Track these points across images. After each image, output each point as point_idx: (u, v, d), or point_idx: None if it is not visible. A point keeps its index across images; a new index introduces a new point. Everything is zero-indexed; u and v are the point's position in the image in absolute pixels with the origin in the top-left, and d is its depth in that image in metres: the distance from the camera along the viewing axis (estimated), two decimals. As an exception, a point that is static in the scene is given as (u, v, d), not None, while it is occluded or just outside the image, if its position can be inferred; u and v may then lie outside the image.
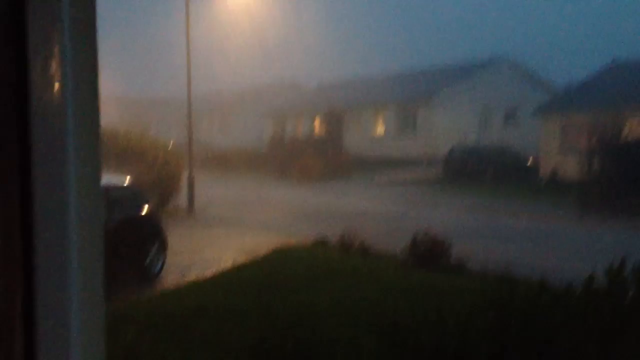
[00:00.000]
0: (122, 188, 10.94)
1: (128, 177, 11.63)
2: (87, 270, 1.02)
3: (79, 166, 1.01)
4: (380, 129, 38.35)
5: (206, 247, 14.01)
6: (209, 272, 10.95)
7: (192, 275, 10.77)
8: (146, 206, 11.36)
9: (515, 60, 38.34)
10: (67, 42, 1.01)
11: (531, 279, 9.04)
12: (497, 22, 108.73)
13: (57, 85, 1.01)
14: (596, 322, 5.08)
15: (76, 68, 1.03)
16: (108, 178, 10.94)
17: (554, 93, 36.64)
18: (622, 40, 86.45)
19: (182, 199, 20.75)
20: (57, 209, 1.00)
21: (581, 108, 28.02)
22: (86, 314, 1.02)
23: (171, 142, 30.49)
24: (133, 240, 10.44)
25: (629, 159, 20.94)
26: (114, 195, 10.32)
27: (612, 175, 21.15)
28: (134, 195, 11.13)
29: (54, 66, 1.01)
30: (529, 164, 30.69)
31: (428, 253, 11.12)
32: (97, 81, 1.07)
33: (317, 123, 42.17)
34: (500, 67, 37.60)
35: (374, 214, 20.09)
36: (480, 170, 29.91)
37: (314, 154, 33.50)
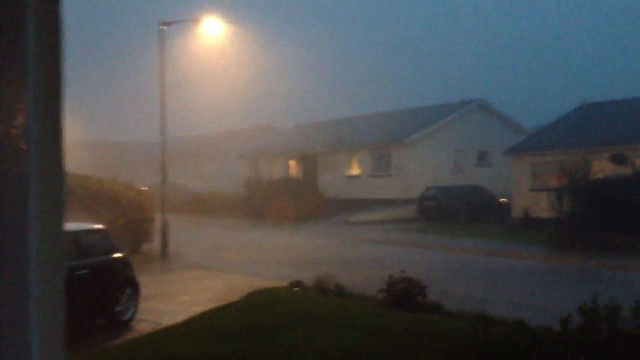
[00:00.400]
0: (93, 233, 10.77)
1: (99, 224, 11.50)
2: (48, 317, 0.99)
3: (41, 210, 0.99)
4: (354, 170, 38.53)
5: (180, 292, 13.77)
6: (182, 317, 10.73)
7: (165, 322, 10.54)
8: (118, 252, 11.18)
9: (487, 102, 39.11)
10: (32, 92, 1.00)
11: (507, 318, 9.03)
12: (470, 67, 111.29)
13: (21, 129, 0.99)
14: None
15: (41, 114, 1.01)
16: (78, 224, 10.78)
17: (524, 134, 37.33)
18: (590, 84, 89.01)
19: (155, 243, 20.47)
20: (18, 252, 0.97)
21: (551, 148, 28.55)
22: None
23: (145, 186, 30.29)
24: (104, 287, 10.23)
25: (598, 197, 21.29)
26: (84, 241, 10.14)
27: (581, 213, 21.45)
28: (104, 241, 10.95)
29: (20, 109, 0.99)
30: (501, 203, 31.03)
31: (404, 293, 11.06)
32: (62, 124, 1.06)
33: (292, 164, 42.24)
34: (472, 109, 38.29)
35: (349, 254, 20.02)
36: (455, 209, 30.13)
37: (289, 196, 33.46)
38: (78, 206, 17.21)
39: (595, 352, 5.12)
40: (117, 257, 11.05)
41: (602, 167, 24.77)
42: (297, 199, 33.30)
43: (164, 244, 20.19)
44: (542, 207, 24.84)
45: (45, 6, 1.03)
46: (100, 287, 10.09)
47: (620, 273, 16.21)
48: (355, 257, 19.44)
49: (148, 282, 13.47)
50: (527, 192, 28.53)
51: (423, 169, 34.77)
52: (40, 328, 0.97)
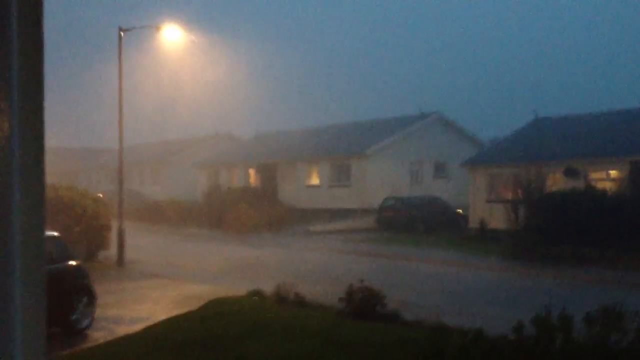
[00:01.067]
0: (47, 241, 10.55)
1: (54, 231, 11.27)
2: (30, 321, 1.00)
3: (23, 217, 1.01)
4: (314, 180, 38.61)
5: (137, 300, 13.57)
6: (139, 326, 10.58)
7: (122, 331, 10.39)
8: (73, 260, 10.98)
9: (444, 115, 39.73)
10: (16, 97, 1.02)
11: (464, 327, 9.20)
12: (428, 80, 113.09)
13: (3, 139, 1.01)
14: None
15: (23, 120, 1.03)
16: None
17: (481, 146, 38.06)
18: (543, 98, 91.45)
19: (112, 250, 20.13)
20: (1, 257, 0.99)
21: (506, 161, 29.19)
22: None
23: (101, 192, 29.76)
24: (59, 295, 10.02)
25: (552, 209, 21.84)
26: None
27: (536, 225, 21.97)
28: (59, 249, 10.74)
29: (3, 116, 1.01)
30: (458, 214, 31.53)
31: (363, 303, 11.14)
32: (44, 133, 1.08)
33: (252, 174, 42.09)
34: (431, 122, 38.85)
35: (309, 264, 20.04)
36: (413, 220, 30.49)
37: (248, 205, 33.31)
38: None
39: (548, 360, 5.27)
40: (72, 265, 10.85)
41: (556, 181, 25.45)
42: (257, 208, 33.18)
43: (121, 252, 19.86)
44: (498, 218, 25.35)
45: (27, 9, 1.05)
46: (55, 295, 9.88)
47: (573, 283, 16.65)
48: (316, 267, 19.47)
49: (105, 291, 13.25)
50: (483, 204, 29.06)
51: (382, 179, 35.09)
52: (23, 331, 0.98)
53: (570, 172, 25.87)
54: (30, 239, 1.02)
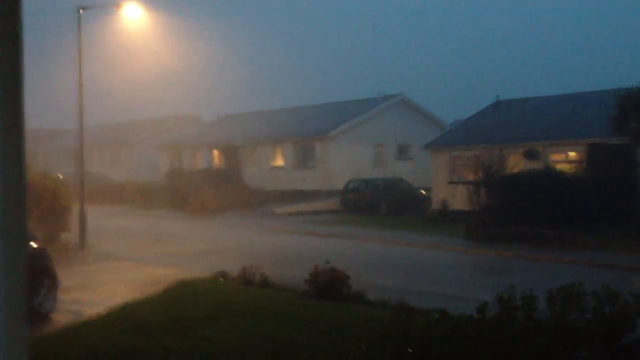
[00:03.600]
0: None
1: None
2: (13, 312, 1.02)
3: (5, 210, 1.02)
4: (278, 162, 38.54)
5: (101, 283, 13.44)
6: (104, 310, 10.49)
7: (87, 314, 10.29)
8: (34, 242, 10.79)
9: (407, 98, 39.96)
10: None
11: (427, 308, 9.38)
12: (391, 62, 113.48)
13: None
14: (490, 349, 5.35)
15: (4, 112, 1.04)
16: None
17: (445, 129, 38.46)
18: (504, 81, 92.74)
19: (73, 233, 19.83)
20: None
21: (468, 143, 29.57)
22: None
23: (59, 174, 29.19)
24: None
25: (512, 190, 22.26)
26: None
27: (497, 206, 22.38)
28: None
29: None
30: (421, 195, 31.92)
31: (328, 284, 11.24)
32: (23, 122, 1.09)
33: (215, 155, 41.77)
34: (394, 103, 39.06)
35: (273, 245, 20.10)
36: (376, 201, 30.75)
37: (212, 187, 33.10)
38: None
39: (510, 340, 5.43)
40: (34, 248, 10.67)
41: (517, 162, 25.94)
42: (221, 190, 32.99)
43: (82, 234, 19.59)
44: (460, 199, 25.74)
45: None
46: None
47: (532, 263, 17.09)
48: (280, 248, 19.53)
49: (67, 274, 13.07)
50: (445, 185, 29.45)
51: (346, 161, 35.23)
52: (5, 323, 0.99)
53: (530, 154, 26.38)
54: (13, 235, 1.03)
